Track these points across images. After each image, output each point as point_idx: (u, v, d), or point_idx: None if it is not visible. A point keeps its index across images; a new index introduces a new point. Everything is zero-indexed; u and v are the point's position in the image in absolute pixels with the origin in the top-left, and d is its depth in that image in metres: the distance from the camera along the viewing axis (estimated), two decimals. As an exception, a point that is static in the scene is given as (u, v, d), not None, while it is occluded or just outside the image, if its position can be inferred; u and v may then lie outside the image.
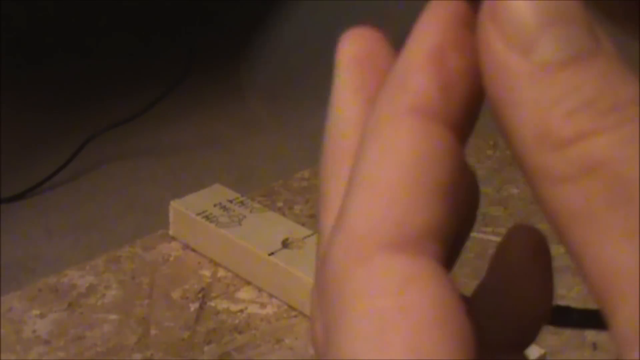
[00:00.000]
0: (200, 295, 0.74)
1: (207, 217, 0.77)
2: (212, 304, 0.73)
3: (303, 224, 0.78)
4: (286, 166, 0.94)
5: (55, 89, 1.10)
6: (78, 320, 0.71)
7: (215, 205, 0.78)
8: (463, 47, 0.23)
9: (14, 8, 1.20)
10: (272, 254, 0.73)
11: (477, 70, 0.23)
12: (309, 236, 0.74)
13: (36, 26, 1.24)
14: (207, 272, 0.76)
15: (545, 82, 0.21)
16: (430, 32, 0.23)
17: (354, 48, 0.26)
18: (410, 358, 0.21)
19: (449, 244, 0.23)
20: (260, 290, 0.74)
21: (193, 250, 0.78)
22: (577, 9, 0.22)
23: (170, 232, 0.80)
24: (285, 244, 0.74)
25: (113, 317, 0.71)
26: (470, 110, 0.24)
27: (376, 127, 0.23)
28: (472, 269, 0.67)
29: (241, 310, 0.72)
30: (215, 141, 1.01)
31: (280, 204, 0.85)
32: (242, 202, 0.79)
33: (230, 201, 0.79)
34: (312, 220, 0.82)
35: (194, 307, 0.72)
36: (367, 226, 0.22)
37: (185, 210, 0.78)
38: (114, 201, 0.90)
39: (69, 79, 1.12)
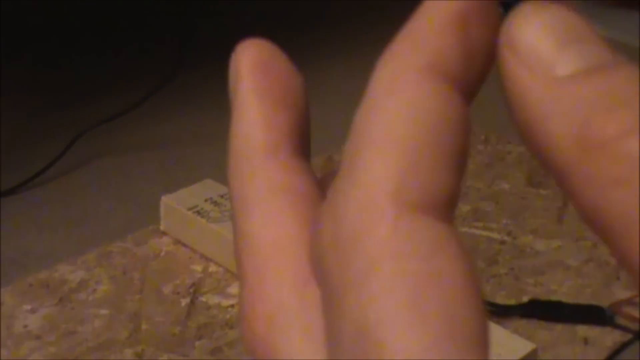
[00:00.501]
0: (191, 290, 0.74)
1: (198, 212, 0.77)
2: (203, 299, 0.73)
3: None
4: (277, 161, 0.94)
5: (46, 85, 1.10)
6: (69, 315, 0.71)
7: (206, 200, 0.78)
8: (488, 20, 0.23)
9: (3, 3, 1.19)
10: (263, 249, 0.73)
11: (493, 41, 0.22)
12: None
13: (26, 22, 1.24)
14: (198, 267, 0.76)
15: (576, 89, 0.21)
16: None
17: (255, 55, 0.27)
18: (449, 328, 0.19)
19: (454, 209, 0.22)
20: (251, 285, 0.74)
21: (184, 245, 0.78)
22: (589, 29, 0.22)
23: (162, 227, 0.80)
24: (276, 239, 0.74)
25: (104, 312, 0.71)
26: (480, 80, 0.23)
27: (390, 84, 0.22)
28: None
29: (232, 305, 0.72)
30: (206, 136, 1.01)
31: (271, 199, 0.85)
32: (233, 197, 0.79)
33: (222, 196, 0.79)
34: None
35: (185, 302, 0.72)
36: (390, 184, 0.21)
37: (177, 205, 0.78)
38: (105, 196, 0.90)
39: (60, 75, 1.12)
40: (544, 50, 0.21)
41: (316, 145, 0.92)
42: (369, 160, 0.21)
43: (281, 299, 0.23)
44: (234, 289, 0.74)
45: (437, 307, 0.19)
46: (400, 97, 0.22)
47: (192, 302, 0.72)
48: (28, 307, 0.71)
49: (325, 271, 0.21)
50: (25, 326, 0.69)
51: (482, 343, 0.20)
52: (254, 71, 0.27)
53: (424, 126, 0.21)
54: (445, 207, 0.21)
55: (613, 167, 0.20)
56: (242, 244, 0.25)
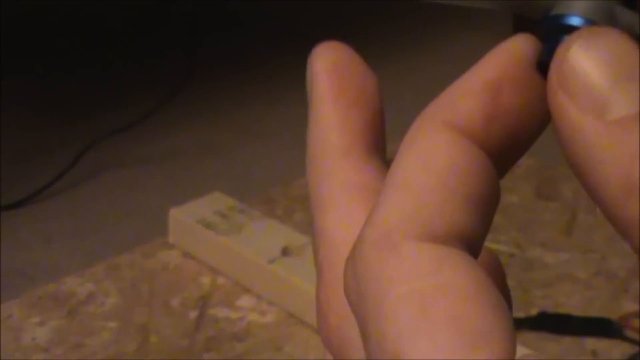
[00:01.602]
0: (199, 303, 0.74)
1: (206, 225, 0.77)
2: (212, 311, 0.73)
3: (302, 232, 0.77)
4: (285, 173, 0.94)
5: (54, 97, 1.11)
6: (77, 328, 0.71)
7: (214, 213, 0.78)
8: (522, 86, 0.24)
9: (13, 15, 1.20)
10: (271, 261, 0.73)
11: (532, 110, 0.24)
12: (308, 244, 0.74)
13: (35, 33, 1.24)
14: (206, 280, 0.76)
15: (623, 137, 0.22)
16: (493, 64, 0.24)
17: (330, 58, 0.28)
18: (455, 330, 0.21)
19: (474, 251, 0.23)
20: (259, 298, 0.74)
21: (192, 257, 0.78)
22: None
23: (170, 240, 0.80)
24: (285, 251, 0.74)
25: (112, 324, 0.71)
26: (513, 147, 0.25)
27: (414, 136, 0.24)
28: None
29: (241, 318, 0.72)
30: (214, 149, 1.01)
31: (279, 212, 0.85)
32: (241, 210, 0.79)
33: (230, 209, 0.79)
34: (312, 227, 0.82)
35: (193, 314, 0.72)
36: (396, 221, 0.23)
37: (185, 218, 0.78)
38: (113, 209, 0.90)
39: (68, 88, 1.13)
40: (595, 89, 0.22)
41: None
42: (383, 203, 0.23)
43: None
44: (242, 301, 0.74)
45: (444, 314, 0.21)
46: (418, 146, 0.24)
47: (201, 314, 0.72)
48: (36, 319, 0.71)
49: (351, 303, 0.23)
50: (34, 339, 0.69)
51: (493, 341, 0.21)
52: (329, 74, 0.28)
53: (432, 172, 0.23)
54: (452, 239, 0.23)
55: None
56: (319, 241, 0.27)
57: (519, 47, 0.25)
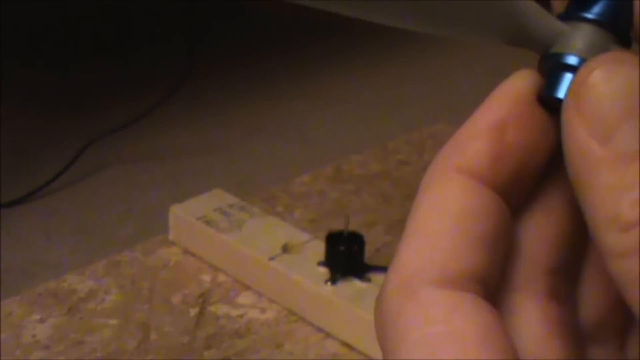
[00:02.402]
0: (200, 300, 0.74)
1: (207, 222, 0.77)
2: (212, 308, 0.73)
3: (303, 229, 0.78)
4: (286, 171, 0.94)
5: (55, 94, 1.10)
6: (78, 325, 0.71)
7: (215, 210, 0.78)
8: (526, 122, 0.26)
9: (13, 11, 1.20)
10: (272, 258, 0.73)
11: (537, 143, 0.26)
12: (309, 241, 0.74)
13: (35, 30, 1.24)
14: (207, 277, 0.76)
15: (618, 171, 0.23)
16: (497, 105, 0.26)
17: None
18: None
19: (490, 285, 0.25)
20: (260, 295, 0.74)
21: (193, 255, 0.78)
22: None
23: (170, 237, 0.80)
24: (285, 248, 0.74)
25: (113, 322, 0.71)
26: (522, 180, 0.26)
27: (428, 182, 0.26)
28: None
29: (241, 315, 0.72)
30: (215, 146, 1.01)
31: (280, 209, 0.85)
32: (242, 207, 0.79)
33: (230, 206, 0.79)
34: (312, 225, 0.82)
35: (193, 312, 0.72)
36: (414, 267, 0.25)
37: (185, 215, 0.78)
38: (113, 206, 0.90)
39: (68, 84, 1.13)
40: (607, 117, 0.23)
41: (324, 155, 0.93)
42: (402, 250, 0.25)
43: None
44: (242, 298, 0.74)
45: (453, 358, 0.23)
46: (431, 192, 0.26)
47: (201, 312, 0.72)
48: (37, 316, 0.71)
49: (378, 338, 0.25)
50: (34, 336, 0.69)
51: None
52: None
53: (445, 218, 0.25)
54: (467, 281, 0.25)
55: (625, 244, 0.23)
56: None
57: (520, 84, 0.26)
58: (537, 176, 0.27)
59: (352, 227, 0.73)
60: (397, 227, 0.82)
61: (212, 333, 0.70)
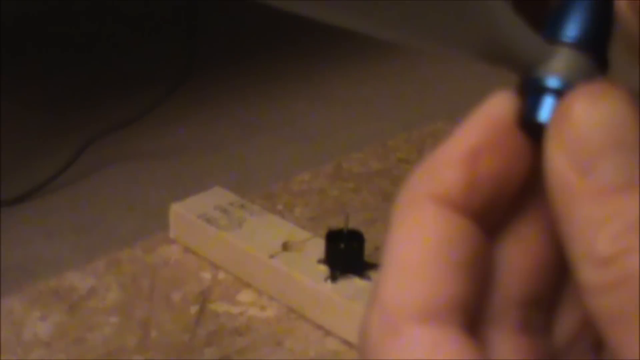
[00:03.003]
0: (200, 297, 0.74)
1: (207, 220, 0.77)
2: (213, 306, 0.73)
3: (303, 227, 0.78)
4: (286, 169, 0.94)
5: (56, 92, 1.11)
6: (78, 323, 0.71)
7: (215, 208, 0.78)
8: (500, 149, 0.25)
9: (13, 10, 1.20)
10: (272, 256, 0.73)
11: (512, 169, 0.25)
12: (309, 239, 0.75)
13: (36, 28, 1.24)
14: (207, 275, 0.76)
15: (597, 204, 0.23)
16: (471, 132, 0.25)
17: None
18: None
19: (470, 311, 0.25)
20: (260, 293, 0.74)
21: (193, 252, 0.78)
22: (636, 138, 0.23)
23: (171, 235, 0.80)
24: (285, 246, 0.74)
25: (113, 319, 0.71)
26: (497, 206, 0.26)
27: (402, 210, 0.26)
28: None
29: (241, 313, 0.72)
30: (215, 144, 1.01)
31: (280, 207, 0.85)
32: (242, 205, 0.79)
33: (231, 204, 0.79)
34: (312, 223, 0.82)
35: (194, 309, 0.72)
36: (395, 301, 0.25)
37: (186, 213, 0.78)
38: (114, 204, 0.90)
39: (69, 82, 1.13)
40: (587, 150, 0.23)
41: (324, 153, 0.93)
42: (382, 283, 0.25)
43: None
44: (243, 296, 0.74)
45: None
46: (405, 223, 0.25)
47: (202, 309, 0.72)
48: (38, 314, 0.72)
49: None
50: (35, 334, 0.69)
51: None
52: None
53: (422, 248, 0.25)
54: (448, 311, 0.24)
55: (602, 280, 0.23)
56: None
57: (496, 109, 0.26)
58: (512, 200, 0.26)
59: (352, 225, 0.73)
60: (397, 225, 0.83)
61: (212, 331, 0.70)
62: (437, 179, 0.25)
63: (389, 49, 1.23)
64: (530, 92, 0.26)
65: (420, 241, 0.25)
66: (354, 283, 0.70)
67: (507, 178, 0.25)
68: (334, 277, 0.70)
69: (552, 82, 0.25)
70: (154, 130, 1.01)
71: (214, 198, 0.80)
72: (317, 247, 0.72)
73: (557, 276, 0.27)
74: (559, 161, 0.24)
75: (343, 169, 0.92)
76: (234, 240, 0.75)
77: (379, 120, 1.07)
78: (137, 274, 0.76)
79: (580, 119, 0.23)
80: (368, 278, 0.70)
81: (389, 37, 0.25)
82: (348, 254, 0.71)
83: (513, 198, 0.26)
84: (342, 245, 0.71)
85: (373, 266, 0.71)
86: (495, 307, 0.26)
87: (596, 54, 0.26)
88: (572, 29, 0.26)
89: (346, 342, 0.69)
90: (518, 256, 0.27)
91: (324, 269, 0.71)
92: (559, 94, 0.25)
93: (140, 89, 1.07)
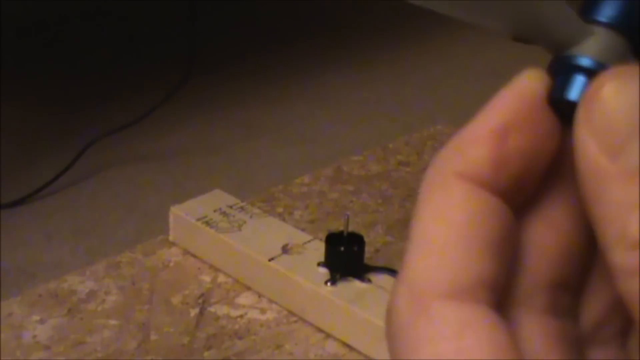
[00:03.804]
0: (200, 300, 0.74)
1: (207, 223, 0.77)
2: (212, 309, 0.73)
3: (303, 230, 0.78)
4: (286, 171, 0.94)
5: (56, 95, 1.11)
6: (78, 326, 0.71)
7: (215, 211, 0.78)
8: (530, 127, 0.25)
9: (13, 12, 1.20)
10: (272, 259, 0.73)
11: (541, 147, 0.25)
12: (308, 242, 0.75)
13: (36, 32, 1.24)
14: (207, 278, 0.76)
15: (628, 187, 0.23)
16: (500, 109, 0.25)
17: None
18: None
19: (499, 291, 0.25)
20: (260, 295, 0.74)
21: (193, 255, 0.78)
22: None
23: (170, 238, 0.80)
24: (285, 249, 0.74)
25: (113, 322, 0.71)
26: (525, 184, 0.26)
27: (429, 188, 0.25)
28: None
29: (241, 316, 0.72)
30: (215, 147, 1.01)
31: (280, 210, 0.85)
32: (242, 208, 0.79)
33: (230, 207, 0.79)
34: (312, 225, 0.82)
35: (194, 312, 0.72)
36: (424, 280, 0.24)
37: (185, 216, 0.78)
38: (113, 207, 0.90)
39: (69, 85, 1.13)
40: (617, 133, 0.23)
41: (324, 155, 0.93)
42: (410, 261, 0.25)
43: None
44: (242, 299, 0.74)
45: None
46: (433, 201, 0.25)
47: (201, 312, 0.72)
48: (37, 317, 0.71)
49: (389, 349, 0.25)
50: (35, 336, 0.69)
51: None
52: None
53: (450, 226, 0.25)
54: (477, 289, 0.24)
55: (634, 262, 0.23)
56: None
57: (527, 85, 0.25)
58: (540, 179, 0.26)
59: (352, 227, 0.73)
60: (397, 227, 0.83)
61: (212, 333, 0.70)
62: (465, 156, 0.25)
63: (388, 52, 1.23)
64: (562, 70, 0.26)
65: (448, 219, 0.25)
66: (354, 286, 0.70)
67: (536, 156, 0.25)
68: (334, 280, 0.70)
69: (585, 61, 0.25)
70: (154, 133, 1.01)
71: (214, 201, 0.80)
72: (317, 249, 0.72)
73: (585, 258, 0.27)
74: (589, 143, 0.24)
75: (343, 172, 0.92)
76: (234, 243, 0.75)
77: (379, 123, 1.07)
78: (137, 276, 0.76)
79: (610, 100, 0.23)
80: (368, 281, 0.70)
81: (427, 6, 0.25)
82: (348, 257, 0.71)
83: (541, 177, 0.26)
84: (342, 248, 0.71)
85: (373, 269, 0.71)
86: (523, 288, 0.26)
87: (632, 36, 0.26)
88: (609, 10, 0.26)
89: (346, 345, 0.69)
90: (546, 237, 0.27)
91: (323, 272, 0.71)
92: (590, 73, 0.25)
93: (140, 92, 1.07)
